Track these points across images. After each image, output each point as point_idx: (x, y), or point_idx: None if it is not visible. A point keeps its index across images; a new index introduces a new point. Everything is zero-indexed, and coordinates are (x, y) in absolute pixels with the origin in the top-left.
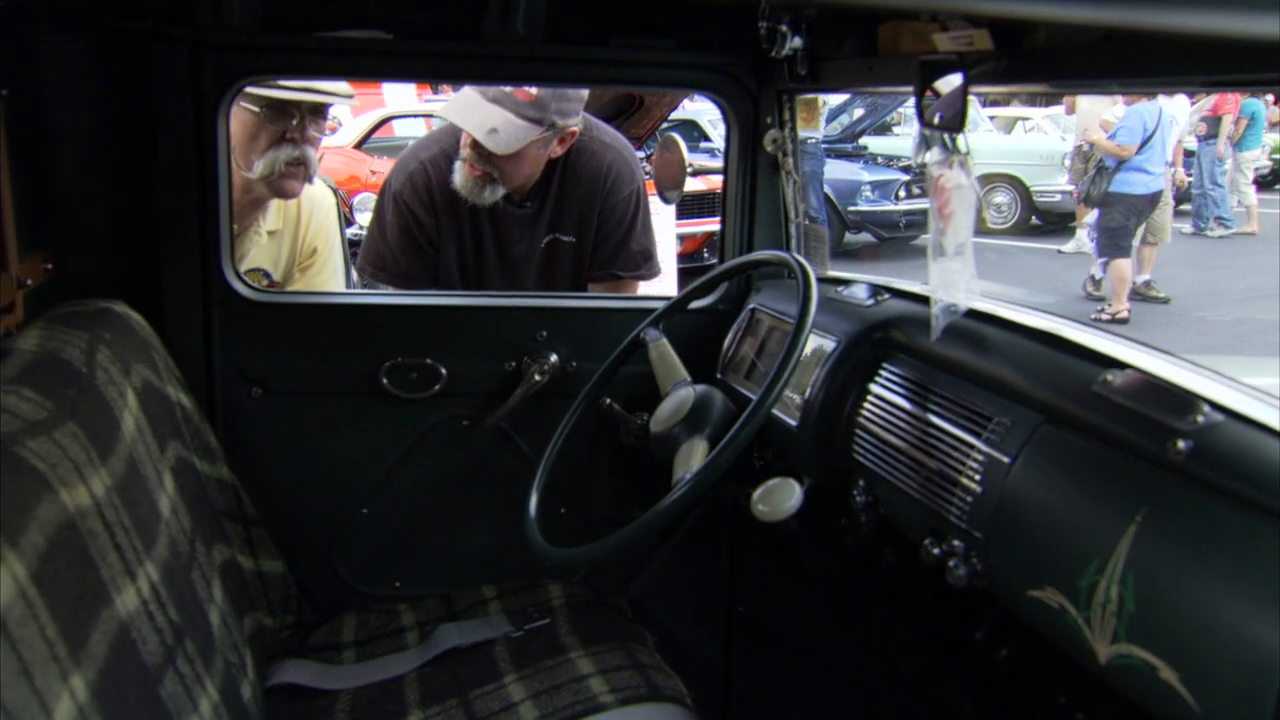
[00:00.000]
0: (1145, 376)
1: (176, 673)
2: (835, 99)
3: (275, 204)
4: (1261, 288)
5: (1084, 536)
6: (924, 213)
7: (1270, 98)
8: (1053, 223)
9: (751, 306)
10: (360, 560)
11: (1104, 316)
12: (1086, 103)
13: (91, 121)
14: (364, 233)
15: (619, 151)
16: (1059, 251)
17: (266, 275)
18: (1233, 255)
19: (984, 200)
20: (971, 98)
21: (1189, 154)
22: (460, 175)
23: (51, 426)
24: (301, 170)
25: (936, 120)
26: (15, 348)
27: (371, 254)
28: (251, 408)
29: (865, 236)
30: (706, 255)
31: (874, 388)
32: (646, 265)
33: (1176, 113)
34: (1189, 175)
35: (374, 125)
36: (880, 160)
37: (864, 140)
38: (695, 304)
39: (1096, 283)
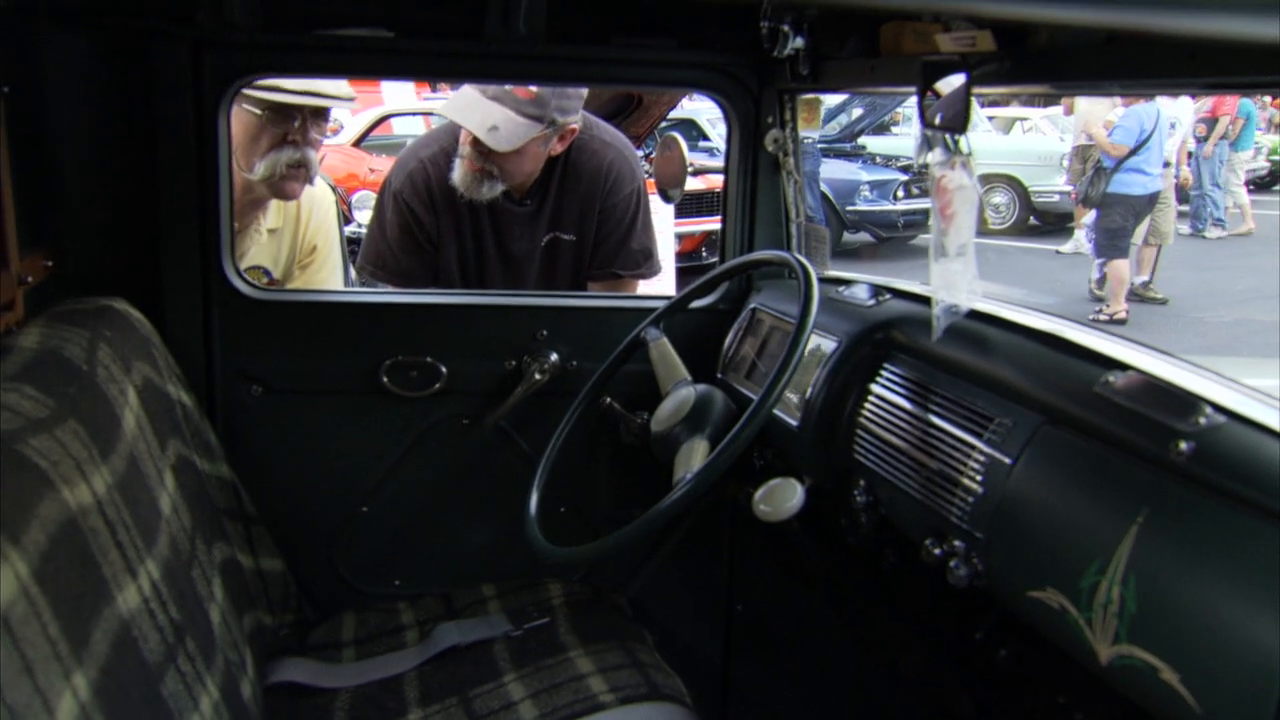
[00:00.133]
0: (1147, 378)
1: (177, 671)
2: (833, 99)
3: (275, 202)
4: (1260, 289)
5: (1085, 537)
6: (922, 213)
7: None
8: (1051, 223)
9: (752, 306)
10: (360, 559)
11: (1102, 317)
12: (1085, 103)
13: (92, 119)
14: (362, 231)
15: (619, 150)
16: (1057, 252)
17: (267, 273)
18: (1230, 256)
19: (982, 200)
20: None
21: (1190, 155)
22: (459, 171)
23: (53, 424)
24: (302, 172)
25: (938, 121)
26: (16, 345)
27: (371, 253)
28: (251, 406)
29: (863, 236)
30: (705, 254)
31: (875, 388)
32: (647, 264)
33: (1180, 114)
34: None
35: (372, 123)
36: (879, 160)
37: (862, 140)
38: (696, 303)
39: (1101, 283)
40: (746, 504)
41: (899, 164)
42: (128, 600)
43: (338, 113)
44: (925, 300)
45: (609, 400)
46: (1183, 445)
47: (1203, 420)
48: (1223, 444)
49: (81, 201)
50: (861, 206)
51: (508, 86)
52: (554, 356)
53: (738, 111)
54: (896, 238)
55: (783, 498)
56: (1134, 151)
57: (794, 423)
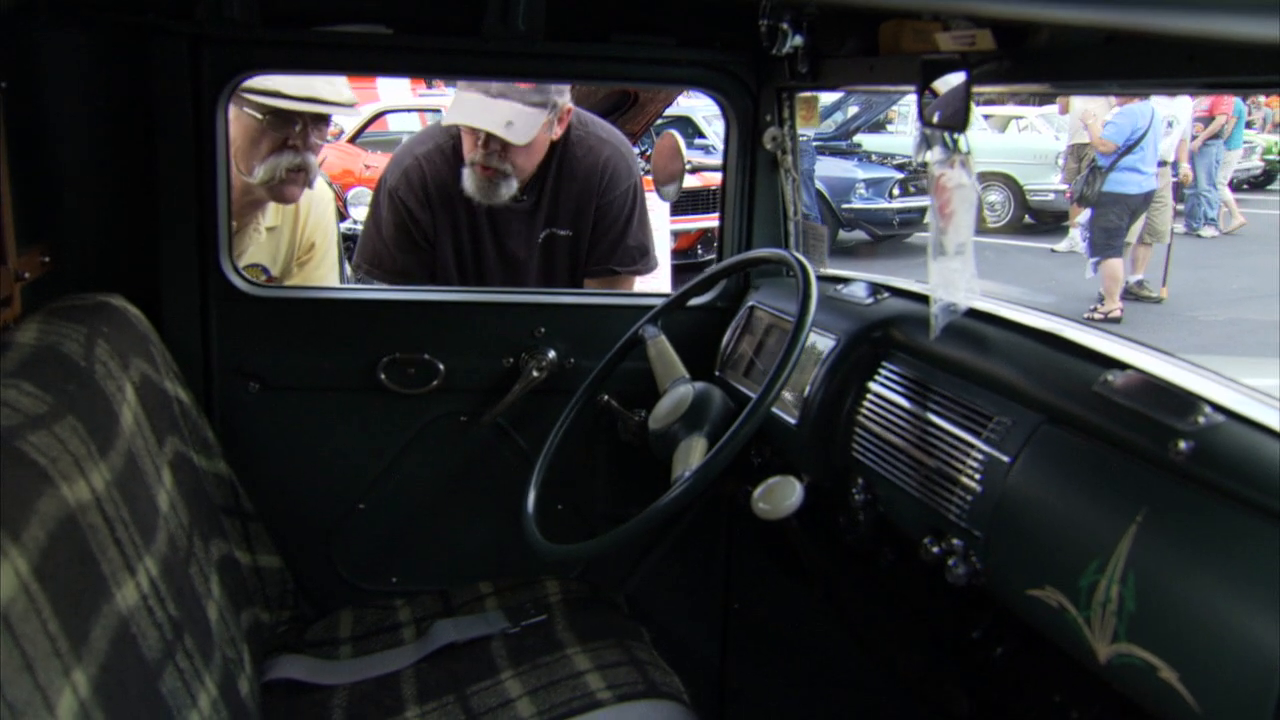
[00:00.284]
0: (1146, 377)
1: (176, 668)
2: (829, 96)
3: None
4: (1254, 288)
5: (1084, 536)
6: (918, 210)
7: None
8: (1046, 222)
9: (750, 304)
10: (357, 556)
11: (1097, 315)
12: (1080, 102)
13: (90, 115)
14: (357, 227)
15: (615, 147)
16: (1052, 250)
17: (265, 271)
18: (1224, 255)
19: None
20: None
21: (1191, 154)
22: (472, 181)
23: (51, 421)
24: (302, 177)
25: (937, 119)
26: (14, 341)
27: (368, 251)
28: (249, 402)
29: (859, 234)
30: (701, 252)
31: (873, 386)
32: (643, 260)
33: (1177, 113)
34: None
35: (368, 120)
36: (874, 158)
37: (858, 138)
38: (694, 301)
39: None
40: (745, 502)
41: (894, 162)
42: (126, 597)
43: (337, 115)
44: (923, 299)
45: (607, 398)
46: (1182, 444)
47: (1202, 420)
48: (1222, 443)
49: (79, 197)
50: (857, 204)
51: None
52: (552, 354)
53: (736, 109)
54: (892, 236)
55: (782, 496)
56: (1128, 150)
57: (792, 421)
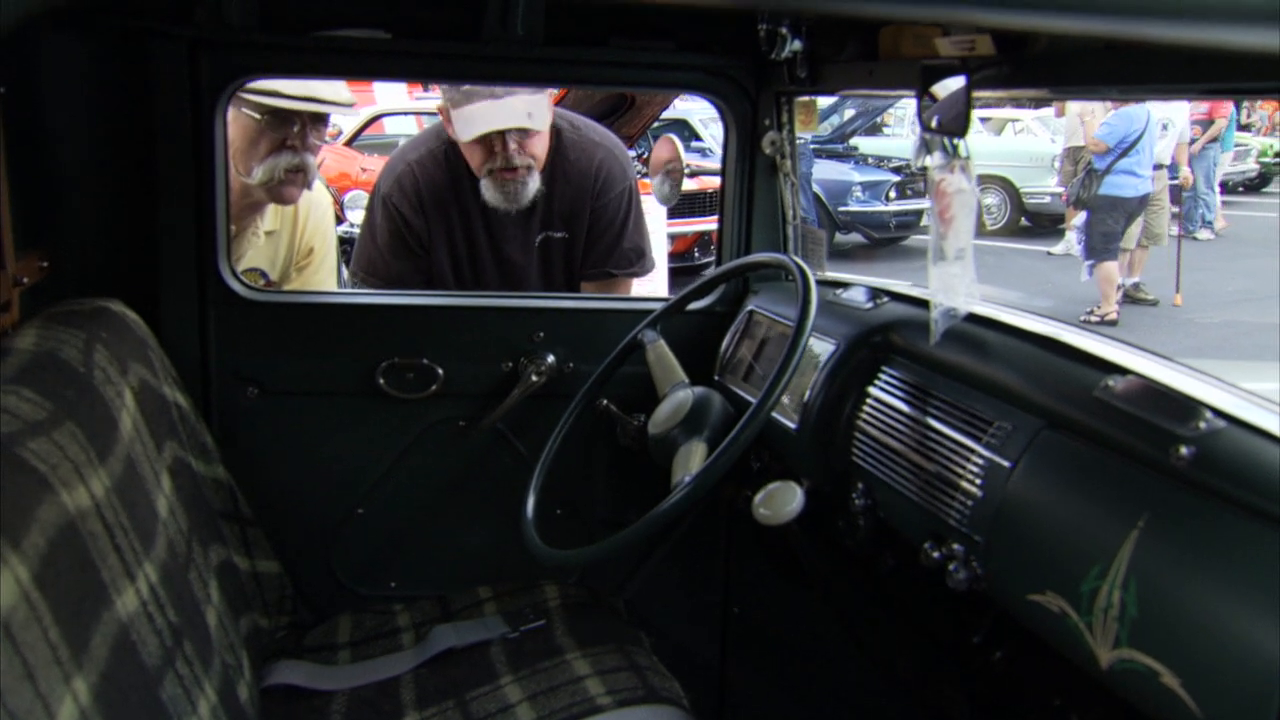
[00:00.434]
0: (1147, 382)
1: (176, 674)
2: (826, 99)
3: (273, 205)
4: (1249, 291)
5: (1086, 541)
6: (914, 213)
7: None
8: (1043, 224)
9: (749, 309)
10: (356, 561)
11: (1093, 318)
12: (1076, 105)
13: (89, 119)
14: (354, 231)
15: (609, 150)
16: (1049, 253)
17: (263, 275)
18: (1219, 258)
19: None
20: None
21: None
22: (496, 190)
23: (51, 427)
24: (300, 177)
25: (936, 124)
26: (13, 347)
27: (363, 258)
28: (248, 408)
29: (855, 237)
30: (697, 255)
31: (873, 391)
32: (639, 263)
33: (1173, 115)
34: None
35: (365, 122)
36: (871, 161)
37: (854, 141)
38: (693, 305)
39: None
40: (744, 507)
41: (891, 165)
42: (126, 604)
43: (335, 116)
44: (923, 303)
45: (606, 402)
46: (1183, 450)
47: (1203, 425)
48: (1223, 449)
49: (78, 202)
50: (854, 207)
51: None
52: (551, 358)
53: (735, 114)
54: (888, 238)
55: (782, 501)
56: (1124, 153)
57: (792, 425)
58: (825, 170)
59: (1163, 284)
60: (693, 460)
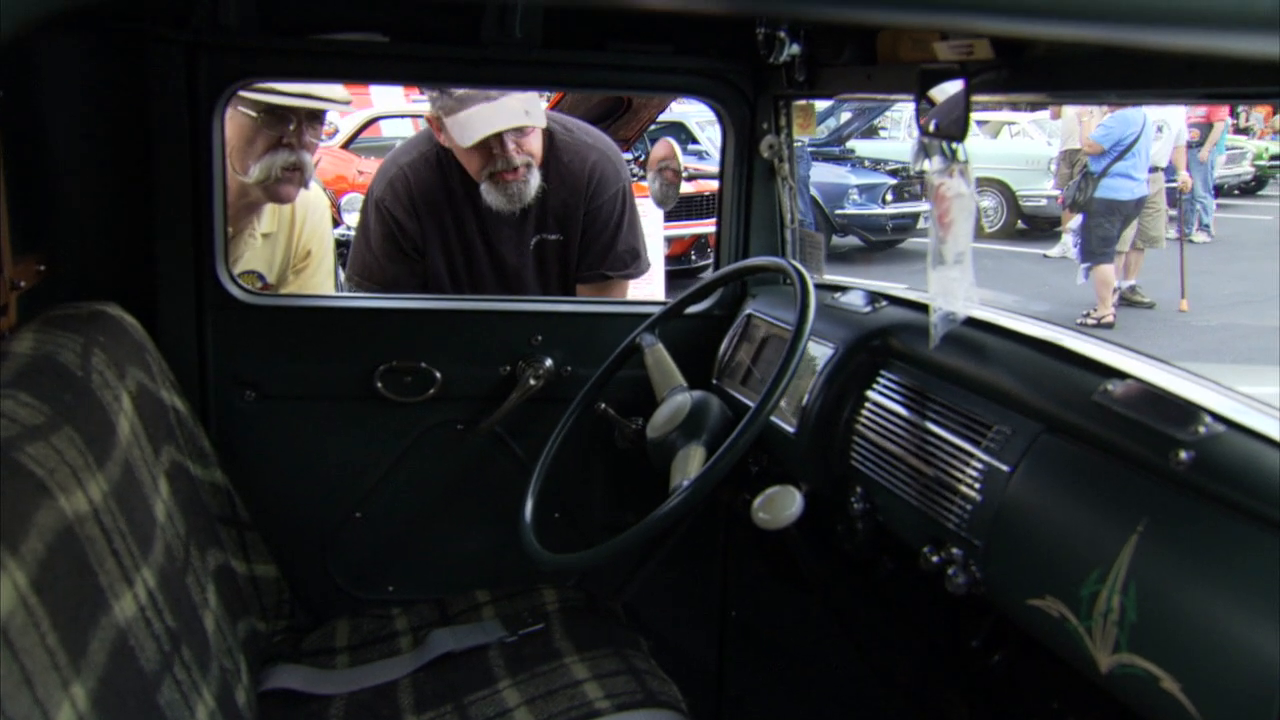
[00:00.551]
0: (1146, 386)
1: (174, 679)
2: (822, 103)
3: (270, 206)
4: (1245, 293)
5: (1085, 546)
6: (911, 216)
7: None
8: (1039, 227)
9: (747, 312)
10: (353, 564)
11: (1090, 321)
12: (1074, 107)
13: (87, 123)
14: (351, 233)
15: (602, 152)
16: (1045, 256)
17: (260, 277)
18: (1215, 261)
19: None
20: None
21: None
22: (499, 193)
23: (49, 431)
24: (297, 175)
25: (935, 129)
26: (10, 351)
27: (358, 263)
28: (245, 411)
29: (852, 240)
30: (694, 257)
31: (872, 395)
32: (634, 264)
33: (1168, 117)
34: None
35: (361, 125)
36: (867, 164)
37: (851, 144)
38: (691, 309)
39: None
40: (743, 510)
41: (887, 168)
42: (124, 609)
43: (332, 115)
44: (922, 307)
45: (604, 406)
46: (1183, 454)
47: (1202, 429)
48: (1223, 453)
49: (75, 206)
50: (850, 210)
51: None
52: (549, 362)
53: (733, 117)
54: (885, 241)
55: (782, 505)
56: (1120, 156)
57: (791, 429)
58: (822, 173)
59: (1159, 287)
60: (691, 464)
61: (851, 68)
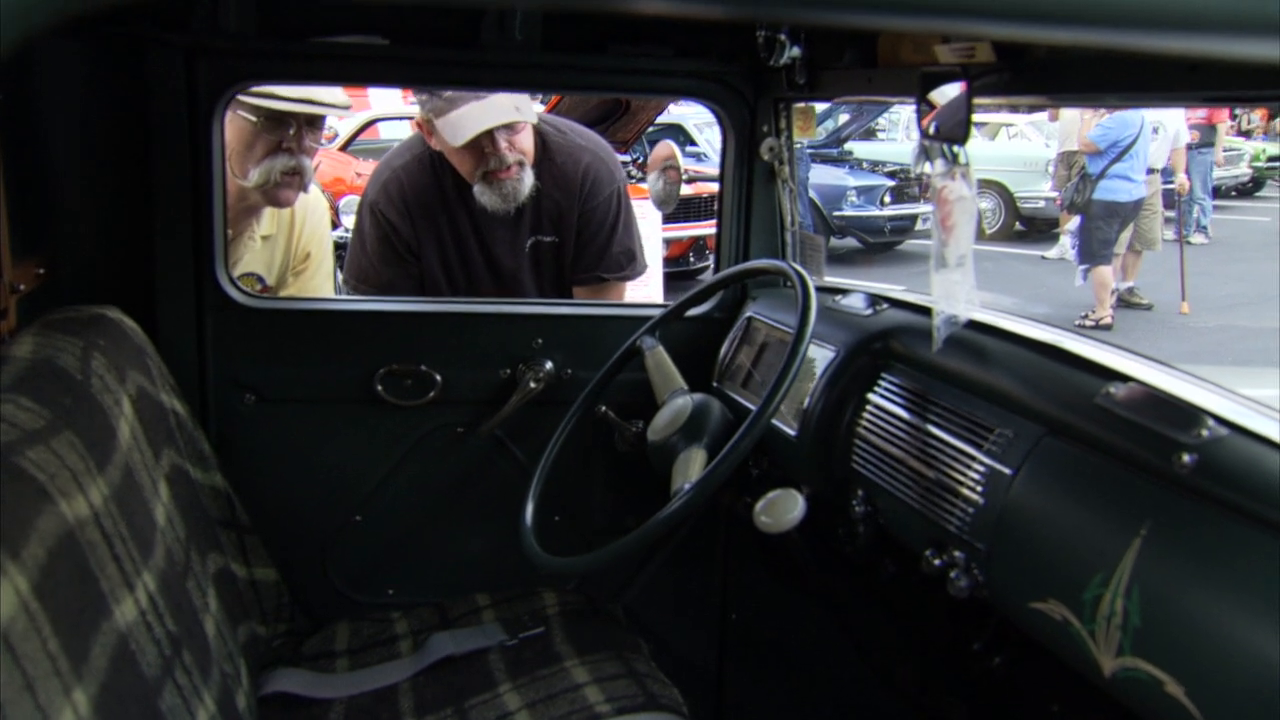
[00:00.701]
0: (1148, 389)
1: (175, 684)
2: (820, 104)
3: (269, 209)
4: (1243, 295)
5: (1088, 549)
6: (909, 218)
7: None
8: (1037, 229)
9: (748, 315)
10: (353, 568)
11: (1088, 323)
12: (1071, 109)
13: (86, 126)
14: (348, 235)
15: (595, 153)
16: (1043, 257)
17: (260, 280)
18: (1213, 262)
19: None
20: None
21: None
22: (493, 193)
23: (49, 435)
24: (297, 180)
25: (937, 131)
26: (10, 355)
27: (354, 266)
28: (245, 414)
29: (850, 241)
30: (692, 259)
31: (873, 398)
32: (630, 266)
33: (1163, 118)
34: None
35: (359, 127)
36: (865, 165)
37: (849, 145)
38: (691, 312)
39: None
40: (744, 514)
41: (885, 169)
42: (125, 614)
43: (331, 121)
44: (923, 310)
45: (604, 409)
46: (1185, 457)
47: (1205, 432)
48: (1225, 456)
49: (75, 209)
50: (848, 212)
51: None
52: (549, 365)
53: (733, 120)
54: (883, 243)
55: (784, 509)
56: (1118, 158)
57: (792, 432)
58: (820, 175)
59: (1157, 289)
60: (692, 468)
61: (852, 70)
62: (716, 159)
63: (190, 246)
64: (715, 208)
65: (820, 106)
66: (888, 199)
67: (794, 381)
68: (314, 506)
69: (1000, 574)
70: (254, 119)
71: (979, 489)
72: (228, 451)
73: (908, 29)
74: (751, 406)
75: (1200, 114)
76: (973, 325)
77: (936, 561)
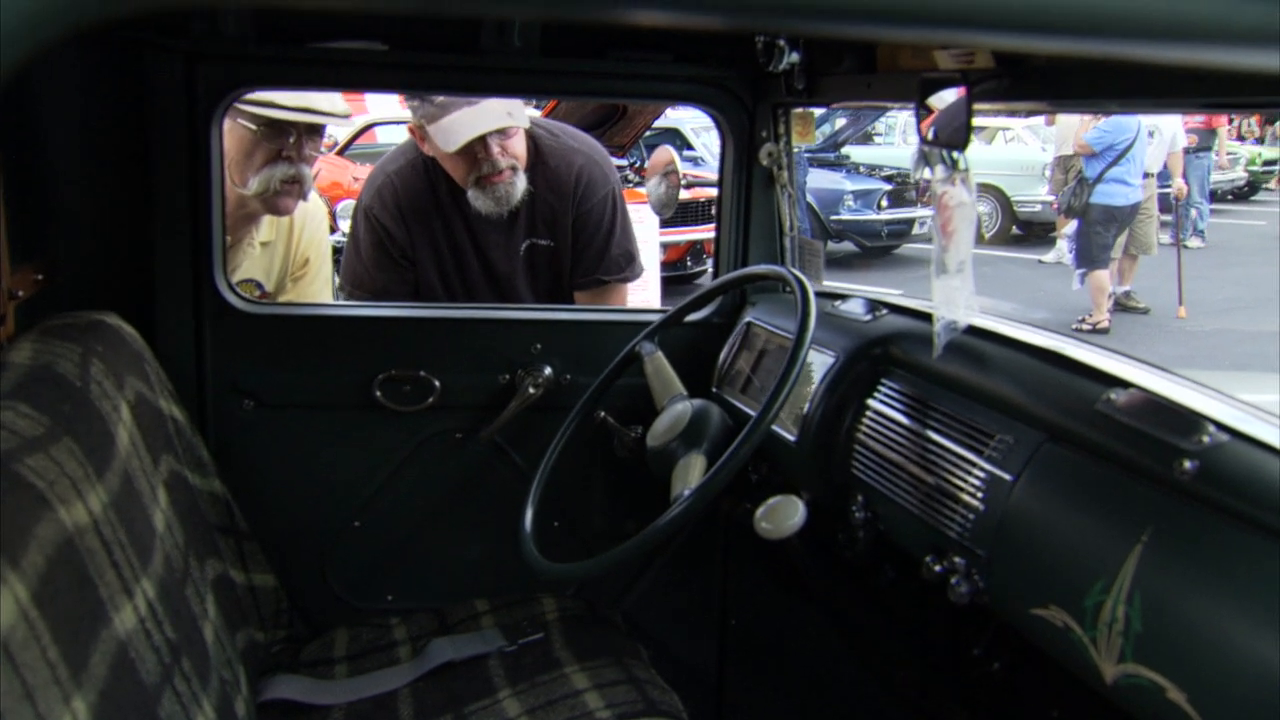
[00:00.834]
0: (1149, 395)
1: (174, 691)
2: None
3: (268, 216)
4: (1240, 299)
5: (1089, 556)
6: (906, 222)
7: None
8: (1034, 233)
9: (747, 320)
10: (352, 574)
11: (1085, 326)
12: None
13: (85, 131)
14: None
15: (589, 155)
16: (1040, 261)
17: (259, 286)
18: (1209, 266)
19: None
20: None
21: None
22: (486, 197)
23: (48, 443)
24: (297, 188)
25: (936, 137)
26: (8, 361)
27: (350, 272)
28: (244, 420)
29: (847, 245)
30: (690, 263)
31: (873, 403)
32: (630, 268)
33: (1159, 122)
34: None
35: (357, 132)
36: (862, 170)
37: (846, 149)
38: (690, 317)
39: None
40: (744, 519)
41: (882, 174)
42: (125, 621)
43: (330, 128)
44: (922, 315)
45: (603, 414)
46: (1186, 464)
47: (1206, 439)
48: (1227, 462)
49: (73, 215)
50: (845, 216)
51: None
52: (548, 370)
53: (732, 125)
54: (881, 247)
55: (784, 515)
56: (1114, 162)
57: (791, 438)
58: (817, 179)
59: (1154, 293)
60: (692, 473)
61: (851, 76)
62: (713, 163)
63: (189, 252)
64: (712, 212)
65: (818, 111)
66: (884, 203)
67: (794, 387)
68: (313, 512)
69: (1001, 580)
70: (254, 127)
71: (979, 495)
72: (226, 458)
73: (908, 40)
74: (751, 412)
75: (1199, 118)
76: (972, 331)
77: (937, 567)
